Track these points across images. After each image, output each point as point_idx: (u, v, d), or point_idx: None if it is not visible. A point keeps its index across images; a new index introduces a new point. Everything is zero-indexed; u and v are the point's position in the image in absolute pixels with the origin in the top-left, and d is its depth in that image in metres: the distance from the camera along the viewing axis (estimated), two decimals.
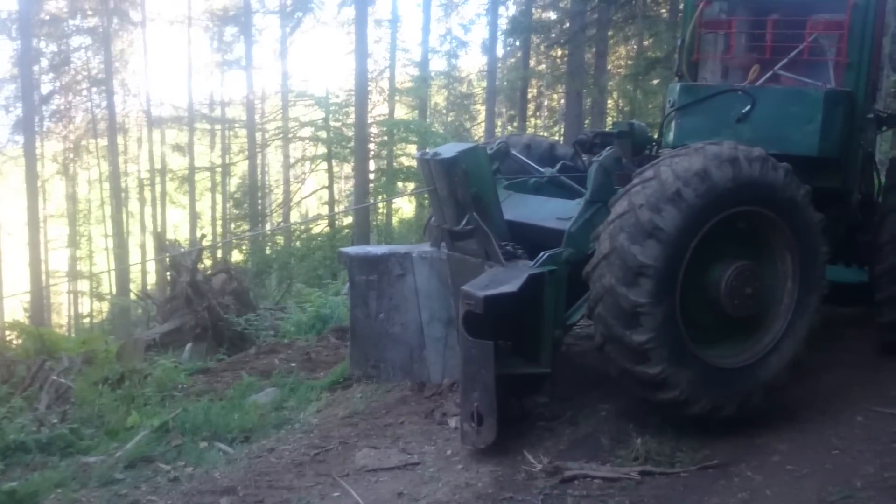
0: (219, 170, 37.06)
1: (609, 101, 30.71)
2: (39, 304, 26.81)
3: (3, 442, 5.54)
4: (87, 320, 31.14)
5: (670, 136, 5.94)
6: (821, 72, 5.95)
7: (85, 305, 35.77)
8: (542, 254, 5.20)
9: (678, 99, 5.86)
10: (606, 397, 5.62)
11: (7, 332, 10.74)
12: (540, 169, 6.42)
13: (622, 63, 29.63)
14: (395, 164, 24.91)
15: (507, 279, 4.98)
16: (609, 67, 26.55)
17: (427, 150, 5.97)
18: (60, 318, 33.11)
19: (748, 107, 5.63)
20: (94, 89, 37.66)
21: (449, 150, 5.63)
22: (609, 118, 31.13)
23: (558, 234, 5.34)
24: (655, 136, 6.50)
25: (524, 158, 6.54)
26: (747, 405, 4.99)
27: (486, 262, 5.50)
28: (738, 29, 6.29)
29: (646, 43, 23.73)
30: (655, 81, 18.98)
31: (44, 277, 30.97)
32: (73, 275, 39.10)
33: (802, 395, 5.60)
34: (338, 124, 25.97)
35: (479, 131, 33.09)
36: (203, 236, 17.28)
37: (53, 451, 5.60)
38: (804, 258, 5.15)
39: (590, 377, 6.01)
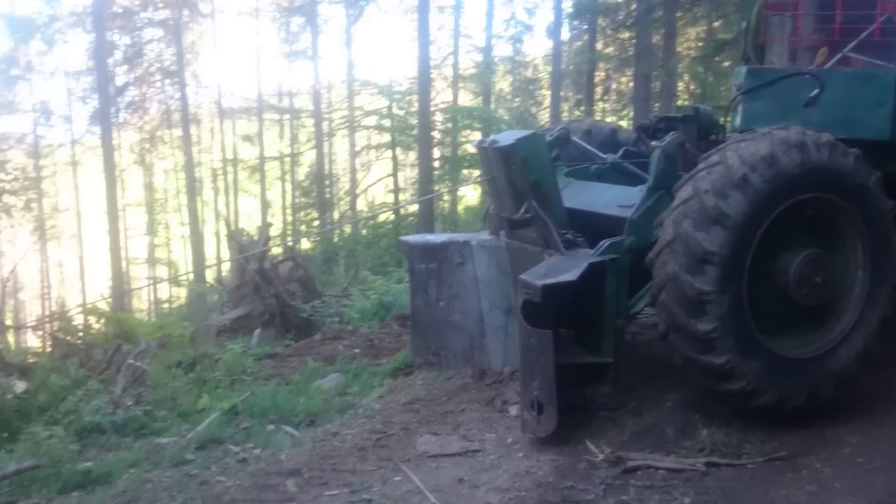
0: (287, 159, 37.68)
1: (679, 84, 30.12)
2: (120, 289, 27.81)
3: (80, 423, 5.78)
4: (165, 306, 32.11)
5: (737, 121, 5.79)
6: (892, 53, 5.72)
7: (164, 291, 36.89)
8: (602, 242, 5.14)
9: (744, 83, 5.70)
10: (672, 388, 5.54)
11: (88, 317, 11.14)
12: (601, 155, 6.34)
13: (692, 45, 28.91)
14: (458, 151, 24.91)
15: (566, 268, 4.95)
16: (679, 49, 25.98)
17: (485, 139, 5.95)
18: (141, 304, 34.21)
19: (816, 90, 5.44)
20: (167, 81, 38.71)
21: (507, 137, 5.61)
22: (679, 101, 30.58)
23: (620, 222, 5.27)
24: (722, 121, 6.34)
25: (585, 144, 6.45)
26: (816, 397, 4.86)
27: (545, 250, 5.46)
28: (805, 10, 6.08)
29: (715, 24, 23.09)
30: (726, 63, 18.48)
31: (124, 264, 32.10)
32: (152, 262, 40.48)
33: (877, 387, 5.42)
34: (402, 112, 26.09)
35: (544, 116, 32.77)
36: (270, 225, 17.60)
37: (128, 433, 5.82)
38: (876, 247, 4.98)
39: (655, 367, 5.90)
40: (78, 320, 10.78)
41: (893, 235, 5.04)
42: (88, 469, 4.86)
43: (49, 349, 7.57)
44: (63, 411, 5.93)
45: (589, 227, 5.57)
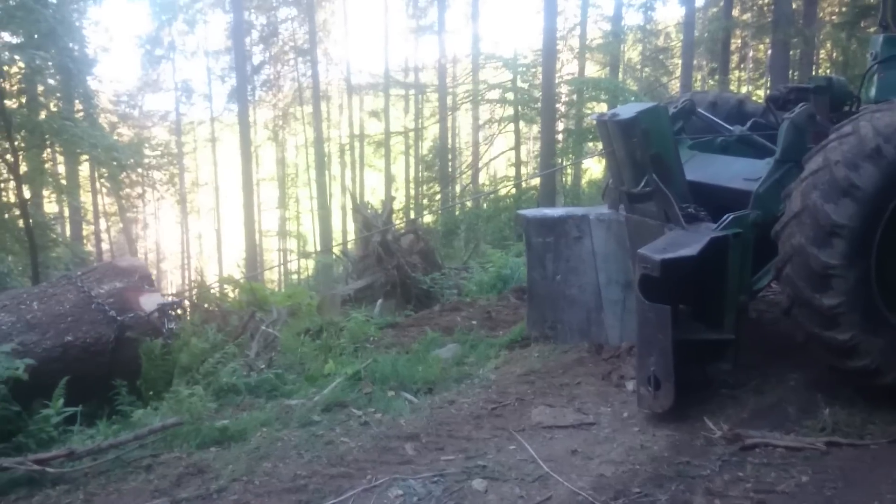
0: (412, 134, 38.26)
1: (821, 52, 28.45)
2: (253, 260, 29.19)
3: (218, 384, 6.16)
4: (294, 277, 33.51)
5: (872, 91, 5.50)
6: None
7: (293, 262, 38.48)
8: (726, 216, 5.02)
9: (881, 51, 5.41)
10: (795, 367, 5.40)
11: (225, 286, 11.80)
12: (728, 127, 6.15)
13: (835, 10, 27.22)
14: (583, 123, 24.53)
15: (687, 242, 4.88)
16: (820, 15, 24.55)
17: (605, 113, 5.89)
18: (271, 274, 35.86)
19: None
20: (299, 59, 40.05)
21: (628, 110, 5.54)
22: (821, 70, 28.91)
23: (745, 196, 5.14)
24: (857, 92, 6.01)
25: (711, 116, 6.28)
26: None
27: (665, 224, 5.39)
28: None
29: None
30: (871, 30, 17.31)
31: (257, 236, 33.65)
32: (283, 234, 42.22)
33: None
34: (526, 85, 25.91)
35: (675, 86, 31.71)
36: (393, 199, 18.00)
37: (260, 394, 6.14)
38: None
39: (779, 345, 5.76)
40: (216, 289, 11.42)
41: None
42: (225, 426, 5.18)
43: (190, 315, 8.10)
44: (203, 372, 6.35)
45: (713, 200, 5.46)
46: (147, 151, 27.58)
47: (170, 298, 6.93)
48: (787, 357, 5.51)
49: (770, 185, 5.10)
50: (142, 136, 34.43)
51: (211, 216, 42.61)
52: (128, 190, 30.98)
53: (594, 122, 6.22)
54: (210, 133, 41.86)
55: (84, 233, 28.69)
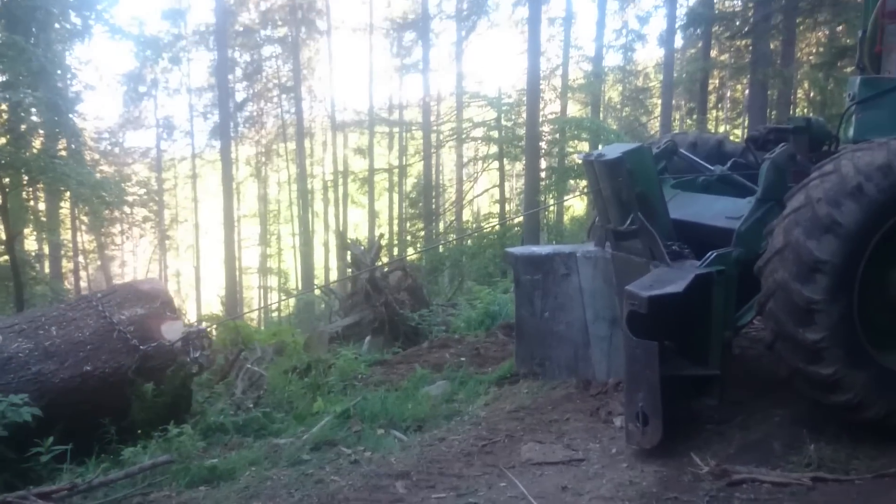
0: (396, 171, 38.50)
1: (798, 92, 29.05)
2: (234, 298, 29.07)
3: (205, 423, 6.16)
4: (275, 314, 33.42)
5: (850, 132, 5.66)
6: None
7: (273, 299, 38.33)
8: (710, 253, 5.13)
9: (858, 92, 5.57)
10: (780, 402, 5.45)
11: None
12: (709, 167, 6.30)
13: (812, 50, 27.87)
14: (566, 161, 24.83)
15: (672, 279, 4.97)
16: (799, 55, 25.12)
17: (591, 152, 6.03)
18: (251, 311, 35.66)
19: None
20: (283, 96, 40.36)
21: (613, 150, 5.68)
22: (799, 109, 29.50)
23: (727, 234, 5.25)
24: (834, 132, 6.20)
25: (692, 156, 6.43)
26: None
27: (651, 261, 5.49)
28: None
29: (838, 29, 22.21)
30: (848, 70, 17.74)
31: (237, 273, 33.52)
32: (264, 271, 42.10)
33: None
34: (510, 124, 26.24)
35: (654, 126, 32.23)
36: (381, 236, 18.07)
37: (248, 433, 6.14)
38: None
39: (764, 381, 5.83)
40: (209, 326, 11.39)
41: None
42: (214, 465, 5.18)
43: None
44: (190, 412, 6.36)
45: (696, 238, 5.56)
46: (132, 188, 27.50)
47: (194, 327, 6.76)
48: (772, 393, 5.58)
49: (752, 223, 5.23)
50: (123, 173, 34.38)
51: (190, 253, 42.42)
52: (108, 228, 30.87)
53: (581, 161, 6.35)
54: (191, 169, 41.86)
55: (63, 270, 28.50)
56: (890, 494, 4.20)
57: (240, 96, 40.12)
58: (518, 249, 7.09)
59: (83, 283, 34.50)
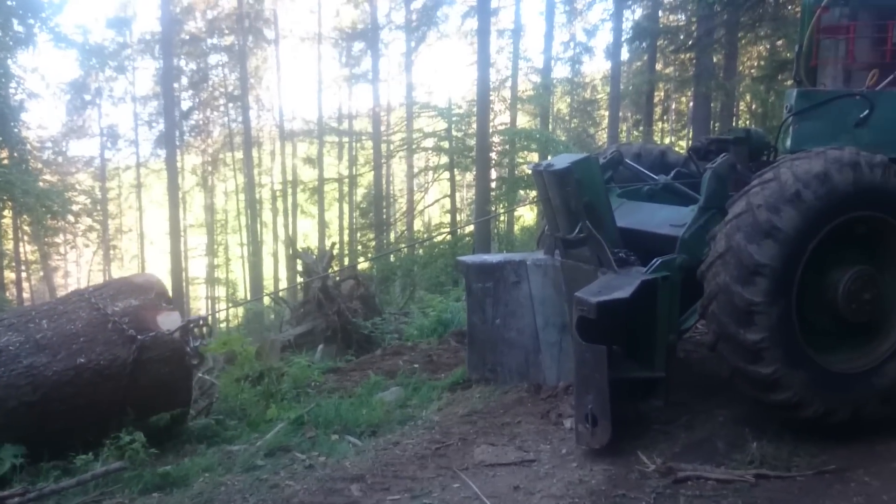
0: (346, 181, 38.40)
1: (741, 104, 29.87)
2: (181, 308, 28.59)
3: (158, 430, 6.10)
4: (223, 324, 33.01)
5: (787, 142, 5.91)
6: None
7: (220, 310, 37.79)
8: (655, 260, 5.31)
9: (795, 104, 5.83)
10: (724, 403, 5.66)
11: None
12: (654, 176, 6.51)
13: (754, 64, 28.69)
14: (516, 172, 25.10)
15: (619, 285, 5.13)
16: (741, 69, 25.84)
17: (540, 163, 6.18)
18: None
19: (866, 111, 5.56)
20: (230, 105, 39.99)
21: (562, 161, 5.83)
22: (741, 120, 30.34)
23: (672, 241, 5.44)
24: (773, 143, 6.47)
25: (637, 166, 6.63)
26: (862, 412, 4.95)
27: (599, 268, 5.65)
28: (857, 34, 6.16)
29: (778, 43, 22.92)
30: (788, 82, 18.32)
31: (184, 284, 33.00)
32: (212, 281, 41.53)
33: None
34: (460, 134, 26.40)
35: (602, 137, 32.81)
36: (333, 244, 18.03)
37: (201, 440, 6.11)
38: None
39: (708, 383, 6.04)
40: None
41: None
42: (167, 472, 5.14)
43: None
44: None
45: (641, 246, 5.74)
46: (76, 198, 26.95)
47: (193, 316, 6.47)
48: (716, 394, 5.78)
49: (695, 230, 5.43)
50: (66, 183, 33.67)
51: (135, 263, 41.65)
52: (52, 238, 30.22)
53: (530, 171, 6.49)
54: (136, 178, 41.15)
55: (5, 281, 27.77)
56: (830, 490, 4.40)
57: (186, 105, 39.66)
58: (469, 258, 7.21)
59: (25, 295, 33.63)
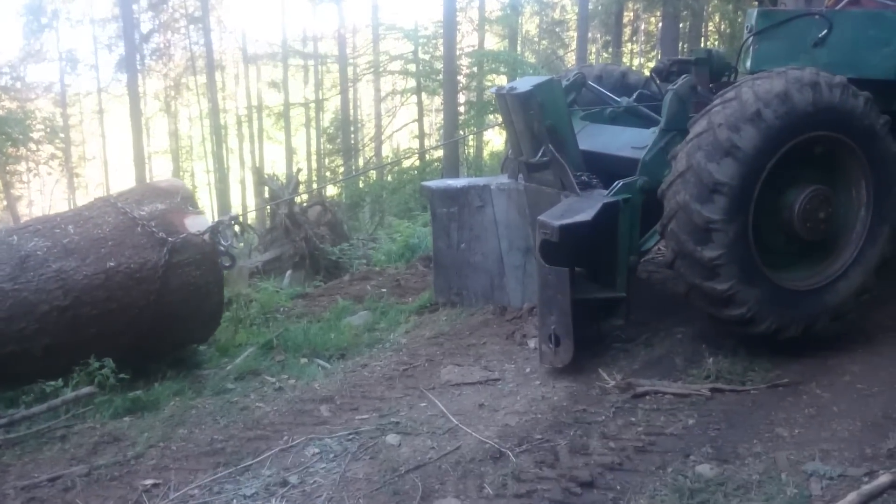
0: (312, 105, 37.79)
1: (710, 25, 29.65)
2: None
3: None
4: None
5: (748, 62, 5.93)
6: None
7: None
8: (616, 182, 5.37)
9: (755, 24, 5.82)
10: (683, 322, 5.81)
11: None
12: (616, 99, 6.51)
13: None
14: (484, 95, 24.87)
15: (581, 208, 5.19)
16: None
17: (503, 86, 6.14)
18: None
19: (825, 31, 5.56)
20: (191, 27, 38.77)
21: (524, 84, 5.80)
22: (711, 41, 30.16)
23: (633, 163, 5.49)
24: (734, 64, 6.48)
25: (600, 89, 6.62)
26: (812, 328, 5.12)
27: (562, 192, 5.70)
28: None
29: None
30: (755, 2, 18.20)
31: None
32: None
33: (882, 320, 5.68)
34: (427, 57, 26.06)
35: (571, 59, 32.44)
36: (299, 170, 17.86)
37: (171, 366, 6.18)
38: (879, 187, 5.17)
39: (667, 303, 6.16)
40: None
41: None
42: (138, 396, 5.22)
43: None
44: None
45: (604, 168, 5.78)
46: (37, 125, 26.25)
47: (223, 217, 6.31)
48: (675, 314, 5.92)
49: (656, 152, 5.46)
50: (26, 109, 32.75)
51: (100, 191, 40.91)
52: (14, 166, 29.55)
53: (494, 94, 6.46)
54: (97, 105, 40.10)
55: None
56: (782, 403, 4.57)
57: (146, 27, 38.27)
58: (433, 183, 7.22)
59: None
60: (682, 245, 4.92)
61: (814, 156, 5.11)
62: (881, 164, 5.14)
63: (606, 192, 5.38)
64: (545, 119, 5.61)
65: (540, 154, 5.77)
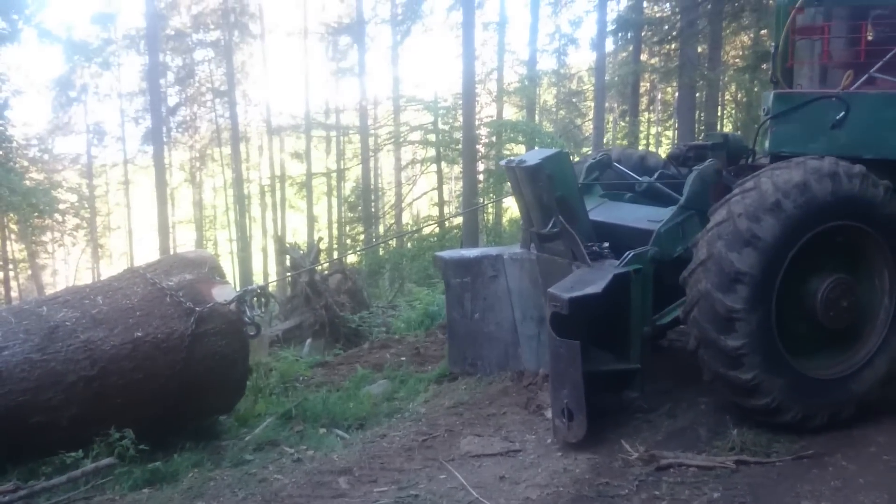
0: (334, 175, 38.32)
1: (727, 94, 29.99)
2: None
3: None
4: None
5: (766, 144, 5.98)
6: None
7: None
8: (627, 253, 5.37)
9: (772, 107, 5.86)
10: (706, 392, 5.74)
11: None
12: (638, 178, 6.56)
13: (738, 53, 28.80)
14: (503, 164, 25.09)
15: (592, 280, 5.18)
16: (725, 59, 25.93)
17: (513, 158, 6.23)
18: None
19: (842, 113, 5.57)
20: (217, 100, 39.78)
21: (534, 156, 5.88)
22: (727, 111, 30.43)
23: (648, 235, 5.51)
24: (751, 146, 6.53)
25: (624, 169, 6.70)
26: (838, 416, 5.05)
27: (573, 262, 5.71)
28: (832, 34, 6.18)
29: (762, 33, 23.00)
30: (771, 82, 18.40)
31: None
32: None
33: None
34: (447, 127, 26.42)
35: (589, 128, 32.83)
36: (320, 239, 18.03)
37: (190, 436, 6.16)
38: None
39: (690, 372, 6.06)
40: None
41: None
42: (157, 468, 5.20)
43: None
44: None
45: (618, 240, 5.78)
46: (62, 196, 26.71)
47: (248, 287, 6.40)
48: (698, 383, 5.80)
49: (672, 226, 5.50)
50: (53, 180, 33.45)
51: (123, 261, 41.41)
52: (39, 236, 30.02)
53: (504, 167, 6.55)
54: (123, 175, 40.93)
55: None
56: (808, 475, 4.49)
57: (172, 101, 39.39)
58: (447, 253, 7.27)
59: (14, 293, 33.46)
60: (706, 333, 4.92)
61: (836, 244, 5.10)
62: None
63: (617, 262, 5.38)
64: (555, 191, 5.67)
65: (550, 225, 5.80)
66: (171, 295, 5.78)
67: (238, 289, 6.27)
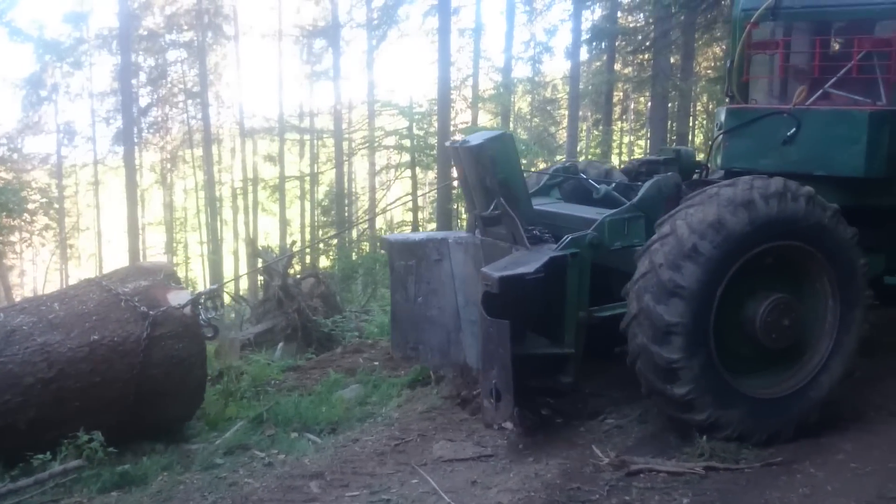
0: (307, 178, 38.15)
1: (698, 104, 30.34)
2: None
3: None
4: None
5: (719, 159, 6.04)
6: (872, 89, 5.75)
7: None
8: (565, 237, 5.36)
9: (725, 122, 5.91)
10: None
11: None
12: (596, 185, 6.55)
13: (711, 64, 29.18)
14: None
15: (527, 261, 5.16)
16: (697, 69, 26.24)
17: (456, 139, 6.20)
18: None
19: (793, 129, 5.59)
20: (189, 102, 39.43)
21: (477, 138, 5.85)
22: (698, 121, 30.77)
23: (591, 223, 5.51)
24: (702, 160, 6.59)
25: (584, 177, 6.75)
26: (805, 424, 5.10)
27: (513, 245, 5.69)
28: (787, 49, 6.19)
29: None
30: (727, 97, 18.66)
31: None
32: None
33: (873, 398, 5.67)
34: (421, 132, 26.42)
35: (563, 136, 33.00)
36: (294, 243, 17.94)
37: (160, 439, 6.10)
38: (842, 276, 5.14)
39: None
40: None
41: (858, 261, 5.19)
42: (126, 471, 5.16)
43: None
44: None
45: (564, 229, 5.71)
46: (32, 196, 26.31)
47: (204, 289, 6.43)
48: None
49: (618, 219, 5.51)
50: (22, 180, 32.93)
51: (92, 262, 40.86)
52: (7, 236, 29.54)
53: (448, 147, 6.50)
54: (93, 176, 40.39)
55: None
56: (776, 482, 4.54)
57: (144, 101, 38.89)
58: (393, 236, 7.24)
59: None
60: (652, 384, 4.96)
61: (767, 265, 5.08)
62: (838, 254, 5.12)
63: (556, 246, 5.37)
64: (497, 173, 5.65)
65: (492, 208, 5.79)
66: (126, 300, 5.86)
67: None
